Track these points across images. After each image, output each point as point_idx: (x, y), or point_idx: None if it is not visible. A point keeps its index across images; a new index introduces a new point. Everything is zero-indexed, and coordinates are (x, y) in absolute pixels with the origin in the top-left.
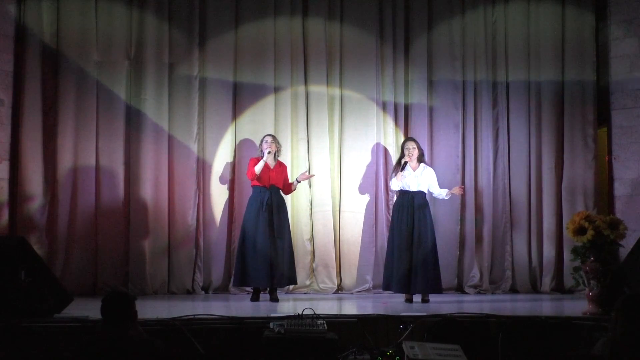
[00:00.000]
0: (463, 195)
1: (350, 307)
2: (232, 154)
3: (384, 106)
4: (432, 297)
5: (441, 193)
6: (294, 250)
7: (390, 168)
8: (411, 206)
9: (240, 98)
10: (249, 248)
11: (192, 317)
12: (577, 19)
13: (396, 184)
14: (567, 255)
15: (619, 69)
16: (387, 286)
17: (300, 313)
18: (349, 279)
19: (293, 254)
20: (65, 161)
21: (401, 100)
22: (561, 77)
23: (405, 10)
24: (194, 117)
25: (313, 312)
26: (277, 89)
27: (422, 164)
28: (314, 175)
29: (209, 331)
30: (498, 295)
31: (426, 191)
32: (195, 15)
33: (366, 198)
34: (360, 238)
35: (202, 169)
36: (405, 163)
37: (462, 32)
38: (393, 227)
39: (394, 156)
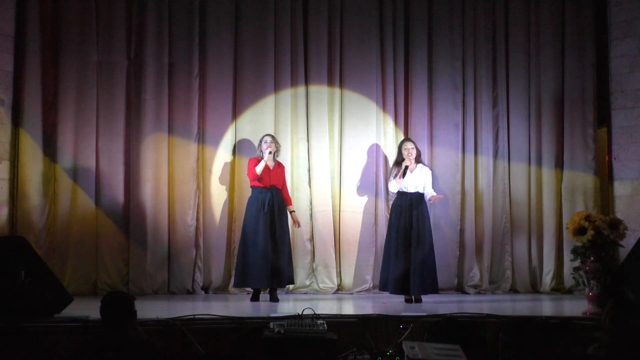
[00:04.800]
0: (463, 196)
1: (350, 307)
2: (232, 154)
3: (384, 106)
4: (432, 297)
5: (427, 194)
6: (294, 250)
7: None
8: (410, 207)
9: (240, 98)
10: (250, 248)
11: (192, 317)
12: (577, 19)
13: (395, 186)
14: (567, 255)
15: (619, 69)
16: (383, 287)
17: (300, 313)
18: (349, 279)
19: (291, 254)
20: (65, 161)
21: (401, 100)
22: (561, 77)
23: (405, 10)
24: (194, 117)
25: (313, 312)
26: (277, 89)
27: (419, 165)
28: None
29: (209, 331)
30: (498, 295)
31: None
32: (195, 15)
33: (366, 198)
34: (360, 238)
35: (202, 169)
36: (407, 168)
37: (462, 32)
38: (391, 228)
39: (394, 156)
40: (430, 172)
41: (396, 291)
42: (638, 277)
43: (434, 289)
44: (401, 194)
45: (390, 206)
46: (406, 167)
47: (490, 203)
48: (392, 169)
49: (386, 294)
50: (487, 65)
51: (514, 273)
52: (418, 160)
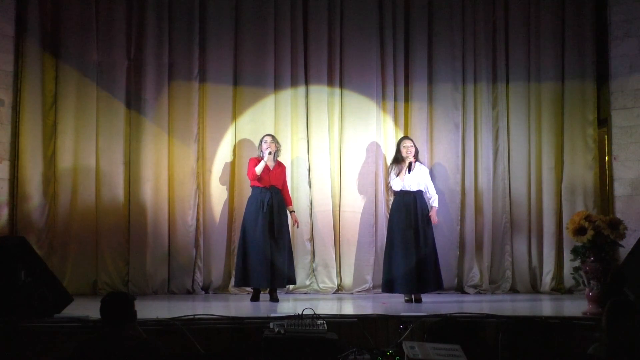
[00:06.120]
0: (463, 196)
1: (350, 307)
2: (232, 154)
3: (384, 106)
4: (432, 297)
5: (432, 202)
6: (294, 250)
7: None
8: (414, 206)
9: (240, 98)
10: (250, 248)
11: (192, 317)
12: (577, 19)
13: (399, 183)
14: (567, 255)
15: (619, 69)
16: (389, 288)
17: (300, 313)
18: (349, 279)
19: (292, 254)
20: (65, 161)
21: (401, 100)
22: (561, 77)
23: (405, 11)
24: (194, 117)
25: (313, 312)
26: (277, 89)
27: (417, 162)
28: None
29: (209, 331)
30: (498, 295)
31: (424, 189)
32: (195, 15)
33: (366, 198)
34: (360, 238)
35: (202, 169)
36: (410, 164)
37: (462, 32)
38: (393, 228)
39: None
40: (427, 170)
41: (406, 290)
42: (638, 277)
43: (440, 285)
44: (404, 193)
45: (390, 206)
46: (410, 163)
47: (490, 203)
48: (391, 167)
49: (386, 293)
50: (487, 65)
51: (514, 273)
52: (416, 158)
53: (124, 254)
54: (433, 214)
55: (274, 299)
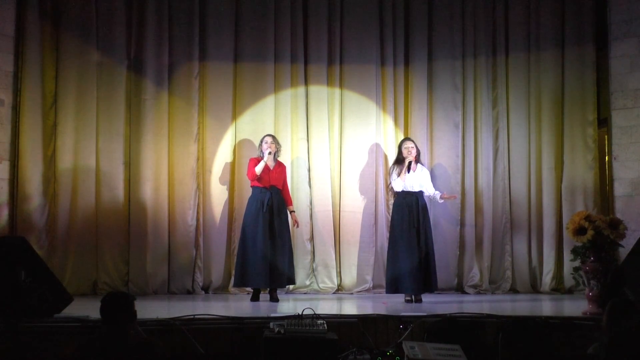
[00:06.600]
0: (463, 196)
1: (350, 307)
2: (232, 154)
3: (384, 106)
4: (432, 297)
5: (436, 195)
6: (294, 250)
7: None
8: (416, 206)
9: (240, 98)
10: (249, 248)
11: (192, 317)
12: (577, 19)
13: (400, 184)
14: (567, 255)
15: (619, 69)
16: (394, 288)
17: (300, 313)
18: (349, 279)
19: (292, 254)
20: (65, 161)
21: (401, 100)
22: (561, 77)
23: (405, 11)
24: (194, 117)
25: (313, 312)
26: (277, 89)
27: (419, 164)
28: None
29: (209, 331)
30: (498, 295)
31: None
32: (195, 15)
33: (366, 198)
34: (360, 238)
35: (202, 169)
36: (410, 163)
37: (462, 32)
38: (395, 228)
39: (394, 156)
40: (428, 172)
41: (411, 290)
42: (638, 277)
43: (436, 286)
44: (406, 194)
45: (391, 206)
46: (410, 162)
47: (490, 203)
48: (392, 168)
49: (388, 294)
50: (487, 65)
51: (514, 273)
52: (417, 159)
53: (124, 254)
54: (447, 194)
55: (274, 299)
